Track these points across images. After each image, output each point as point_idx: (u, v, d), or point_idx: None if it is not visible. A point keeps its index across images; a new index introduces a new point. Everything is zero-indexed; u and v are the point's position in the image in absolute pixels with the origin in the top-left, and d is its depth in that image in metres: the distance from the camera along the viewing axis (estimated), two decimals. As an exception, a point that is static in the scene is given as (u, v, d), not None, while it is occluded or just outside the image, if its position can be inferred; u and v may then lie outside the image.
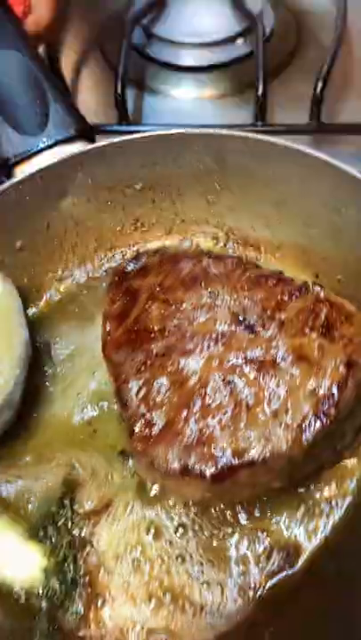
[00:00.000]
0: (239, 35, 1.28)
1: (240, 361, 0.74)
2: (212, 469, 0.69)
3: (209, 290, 0.81)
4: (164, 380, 0.75)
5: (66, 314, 0.96)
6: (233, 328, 0.77)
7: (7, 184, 0.91)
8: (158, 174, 0.96)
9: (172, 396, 0.74)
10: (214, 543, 0.76)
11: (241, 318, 0.77)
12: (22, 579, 0.74)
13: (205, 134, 0.92)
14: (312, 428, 0.69)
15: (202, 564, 0.75)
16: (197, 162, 0.94)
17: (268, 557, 0.75)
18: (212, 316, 0.78)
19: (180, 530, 0.77)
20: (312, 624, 0.71)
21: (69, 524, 0.78)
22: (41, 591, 0.74)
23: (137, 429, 0.73)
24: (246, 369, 0.73)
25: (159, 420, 0.73)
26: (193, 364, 0.75)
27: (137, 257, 0.88)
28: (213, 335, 0.77)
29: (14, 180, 0.92)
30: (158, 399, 0.74)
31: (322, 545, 0.76)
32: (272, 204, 0.94)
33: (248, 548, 0.76)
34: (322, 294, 0.77)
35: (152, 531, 0.77)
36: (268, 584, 0.74)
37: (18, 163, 0.96)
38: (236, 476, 0.69)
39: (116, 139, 0.94)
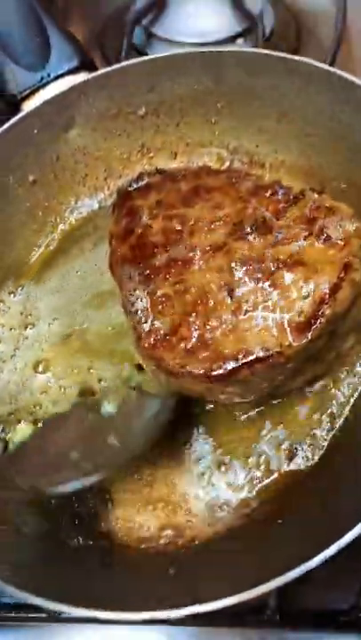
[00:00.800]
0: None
1: (239, 268, 0.76)
2: (212, 369, 0.72)
3: (208, 203, 0.83)
4: (167, 290, 0.78)
5: (80, 239, 1.01)
6: (232, 237, 0.79)
7: (15, 119, 0.95)
8: (160, 99, 0.98)
9: (175, 304, 0.77)
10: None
11: (240, 228, 0.79)
12: None
13: (201, 53, 0.94)
14: (308, 328, 0.71)
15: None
16: (197, 82, 0.96)
17: (286, 452, 0.81)
18: (212, 227, 0.81)
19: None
20: (318, 515, 0.75)
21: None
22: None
23: (143, 335, 0.77)
24: (245, 276, 0.76)
25: (164, 326, 0.77)
26: (194, 273, 0.78)
27: (139, 177, 0.90)
28: (213, 245, 0.79)
29: (21, 114, 0.95)
30: (162, 308, 0.78)
31: (332, 441, 0.81)
32: (273, 119, 0.95)
33: (258, 445, 0.81)
34: (318, 199, 0.78)
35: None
36: (275, 478, 0.79)
37: (24, 98, 1.00)
38: (238, 375, 0.72)
39: (116, 65, 0.96)
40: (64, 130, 0.99)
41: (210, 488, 0.80)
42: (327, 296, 0.71)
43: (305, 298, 0.72)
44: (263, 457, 0.81)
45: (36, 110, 0.96)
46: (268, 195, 0.81)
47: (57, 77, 0.98)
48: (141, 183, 0.89)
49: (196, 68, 0.94)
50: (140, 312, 0.79)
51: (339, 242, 0.74)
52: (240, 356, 0.72)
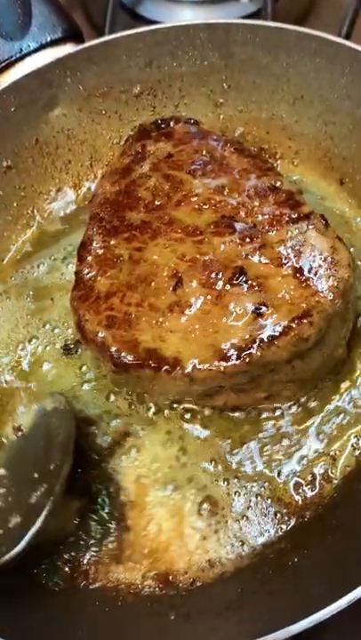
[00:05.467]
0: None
1: (199, 266, 0.75)
2: (120, 355, 0.73)
3: (213, 181, 0.81)
4: (123, 252, 0.78)
5: (61, 236, 0.97)
6: (213, 229, 0.77)
7: (-12, 94, 0.91)
8: (157, 76, 0.95)
9: (122, 270, 0.77)
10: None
11: (227, 223, 0.77)
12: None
13: (209, 25, 0.90)
14: (228, 359, 0.70)
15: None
16: (201, 58, 0.93)
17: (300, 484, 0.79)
18: (200, 207, 0.79)
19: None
20: (341, 550, 0.72)
21: (93, 459, 0.81)
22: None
23: (79, 284, 0.78)
24: (201, 276, 0.74)
25: (101, 286, 0.77)
26: (156, 247, 0.78)
27: (170, 119, 0.88)
28: (190, 228, 0.77)
29: (-4, 89, 0.91)
30: (110, 268, 0.78)
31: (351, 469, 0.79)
32: (287, 102, 0.92)
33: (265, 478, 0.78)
34: (324, 232, 0.75)
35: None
36: (289, 513, 0.78)
37: (0, 71, 0.95)
38: (138, 372, 0.73)
39: (109, 37, 0.93)
40: (45, 109, 0.94)
41: (208, 524, 0.78)
42: (266, 338, 0.69)
43: (242, 326, 0.71)
44: (273, 490, 0.78)
45: (13, 85, 0.91)
46: (275, 200, 0.78)
47: (38, 49, 0.93)
48: (166, 127, 0.88)
49: (202, 42, 0.91)
50: (89, 260, 0.79)
51: (310, 288, 0.71)
52: (149, 357, 0.72)
